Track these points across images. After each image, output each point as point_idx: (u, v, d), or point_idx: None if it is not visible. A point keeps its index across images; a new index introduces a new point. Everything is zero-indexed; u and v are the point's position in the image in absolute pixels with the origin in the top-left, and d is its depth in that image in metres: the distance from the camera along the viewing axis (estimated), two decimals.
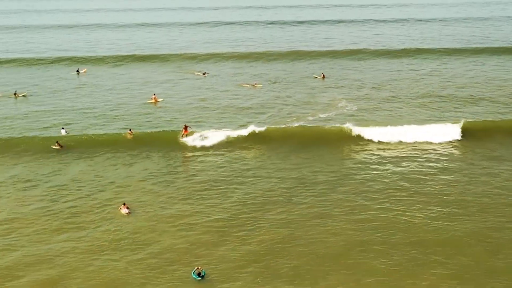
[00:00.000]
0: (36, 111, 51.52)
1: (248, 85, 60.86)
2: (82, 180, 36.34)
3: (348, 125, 44.81)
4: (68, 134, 44.87)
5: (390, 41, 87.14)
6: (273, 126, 45.33)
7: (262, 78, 63.51)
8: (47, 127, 46.98)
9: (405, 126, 44.32)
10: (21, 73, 68.56)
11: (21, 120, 48.86)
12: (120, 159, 40.12)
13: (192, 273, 25.64)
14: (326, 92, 57.59)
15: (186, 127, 43.15)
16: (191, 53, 77.88)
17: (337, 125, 45.27)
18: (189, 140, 42.74)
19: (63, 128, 45.89)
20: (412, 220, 29.97)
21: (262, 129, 44.31)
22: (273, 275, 25.71)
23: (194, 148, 41.81)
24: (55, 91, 59.23)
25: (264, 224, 30.28)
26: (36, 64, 73.22)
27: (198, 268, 25.83)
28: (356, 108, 51.37)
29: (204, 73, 66.23)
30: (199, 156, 40.66)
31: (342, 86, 59.99)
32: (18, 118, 49.64)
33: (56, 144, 42.39)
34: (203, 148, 41.83)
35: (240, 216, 31.17)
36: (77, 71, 68.78)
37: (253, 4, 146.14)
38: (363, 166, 38.09)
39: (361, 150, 41.29)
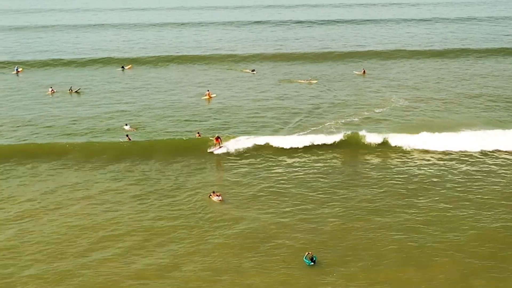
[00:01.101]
0: (96, 112, 51.55)
1: (303, 81, 61.72)
2: (169, 176, 36.92)
3: (420, 133, 42.37)
4: (132, 130, 45.83)
5: (423, 41, 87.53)
6: (345, 132, 43.32)
7: (306, 77, 63.92)
8: (113, 129, 46.92)
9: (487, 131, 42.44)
10: (65, 72, 69.31)
11: (87, 122, 48.86)
12: (194, 160, 39.85)
13: (304, 258, 26.46)
14: (375, 90, 57.82)
15: (218, 137, 41.25)
16: (229, 54, 77.99)
17: (411, 131, 43.17)
18: (265, 140, 41.86)
19: (126, 124, 46.88)
20: None
21: (336, 134, 42.80)
22: (382, 259, 26.67)
23: (266, 149, 41.21)
24: (106, 89, 60.13)
25: (359, 210, 31.51)
26: (73, 63, 73.63)
27: (309, 253, 26.65)
28: (411, 108, 51.22)
29: (252, 71, 67.10)
30: (275, 156, 40.12)
31: (388, 85, 60.52)
32: (81, 119, 49.58)
33: (126, 137, 43.42)
34: (272, 149, 41.15)
35: (335, 204, 32.31)
36: (122, 67, 69.82)
37: (281, 4, 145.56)
38: (446, 173, 36.84)
39: (437, 159, 39.34)
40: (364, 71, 65.82)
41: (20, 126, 47.80)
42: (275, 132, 44.82)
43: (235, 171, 37.79)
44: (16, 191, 34.90)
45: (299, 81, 62.21)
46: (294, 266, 26.24)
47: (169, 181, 36.13)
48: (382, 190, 34.07)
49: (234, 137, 42.38)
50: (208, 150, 40.89)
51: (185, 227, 29.94)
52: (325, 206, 32.11)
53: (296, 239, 28.50)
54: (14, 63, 72.54)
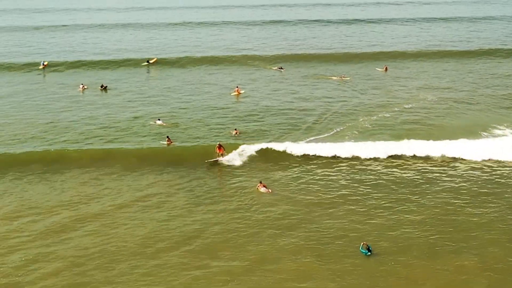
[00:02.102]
0: (130, 112, 51.50)
1: (336, 77, 62.65)
2: (214, 175, 37.56)
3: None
4: (164, 124, 46.62)
5: (443, 41, 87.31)
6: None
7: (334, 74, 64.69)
8: (151, 130, 46.48)
9: None
10: (90, 71, 69.70)
11: (123, 121, 48.80)
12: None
13: (360, 249, 27.32)
14: (401, 89, 58.39)
15: (220, 146, 39.55)
16: (255, 53, 77.79)
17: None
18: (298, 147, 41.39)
19: (159, 119, 47.56)
20: None
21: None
22: (436, 248, 27.61)
23: (300, 152, 40.52)
24: (135, 88, 60.63)
25: (406, 203, 32.54)
26: (98, 63, 73.72)
27: (364, 243, 27.49)
28: (442, 107, 51.34)
29: (280, 68, 68.00)
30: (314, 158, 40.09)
31: (412, 82, 61.24)
32: (118, 119, 49.17)
33: (167, 139, 42.90)
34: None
35: (382, 198, 33.36)
36: (147, 61, 70.62)
37: (302, 3, 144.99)
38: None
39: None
40: (386, 68, 66.97)
41: (62, 129, 47.23)
42: (308, 132, 44.95)
43: (280, 169, 38.16)
44: (78, 194, 34.88)
45: (332, 77, 63.13)
46: (351, 256, 27.09)
47: (215, 180, 36.70)
48: (430, 191, 34.30)
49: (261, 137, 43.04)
50: (206, 161, 38.91)
51: (240, 222, 30.83)
52: (372, 199, 33.07)
53: (349, 230, 29.39)
54: (38, 63, 72.84)
